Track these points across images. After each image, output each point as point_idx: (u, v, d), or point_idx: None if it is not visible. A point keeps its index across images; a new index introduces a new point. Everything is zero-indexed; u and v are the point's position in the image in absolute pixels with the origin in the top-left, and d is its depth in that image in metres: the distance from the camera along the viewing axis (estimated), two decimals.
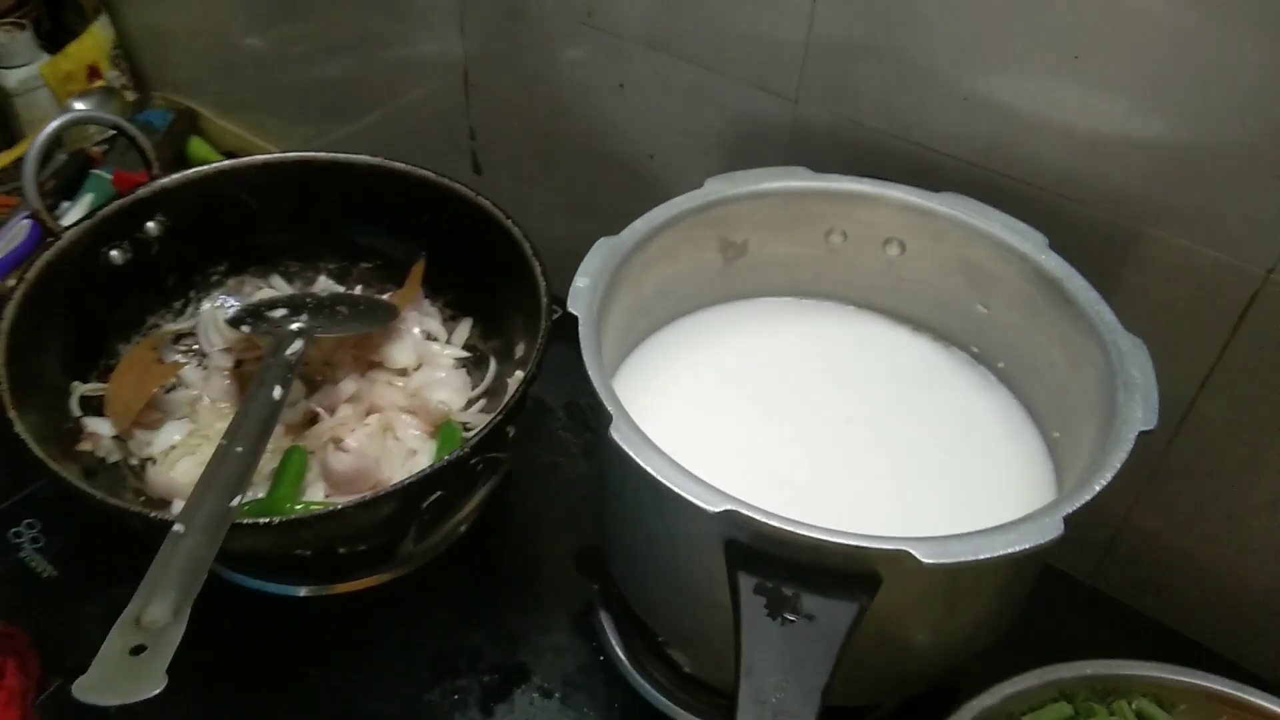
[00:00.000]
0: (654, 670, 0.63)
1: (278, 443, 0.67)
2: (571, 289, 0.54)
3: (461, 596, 0.67)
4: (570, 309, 0.53)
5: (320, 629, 0.66)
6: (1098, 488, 0.45)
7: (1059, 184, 0.60)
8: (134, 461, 0.66)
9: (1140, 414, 0.48)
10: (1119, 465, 0.46)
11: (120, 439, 0.66)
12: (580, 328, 0.52)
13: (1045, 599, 0.69)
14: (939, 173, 0.63)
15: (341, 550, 0.64)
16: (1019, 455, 0.58)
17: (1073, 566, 0.71)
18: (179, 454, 0.66)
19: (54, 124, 0.64)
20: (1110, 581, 0.71)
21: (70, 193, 0.98)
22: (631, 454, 0.46)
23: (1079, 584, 0.71)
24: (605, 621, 0.65)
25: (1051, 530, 0.43)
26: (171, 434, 0.67)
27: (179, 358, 0.72)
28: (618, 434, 0.47)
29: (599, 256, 0.57)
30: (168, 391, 0.70)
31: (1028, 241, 0.57)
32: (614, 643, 0.64)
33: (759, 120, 0.71)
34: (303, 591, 0.66)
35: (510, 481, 0.74)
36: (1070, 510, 0.44)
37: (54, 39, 1.13)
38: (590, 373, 0.50)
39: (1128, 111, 0.56)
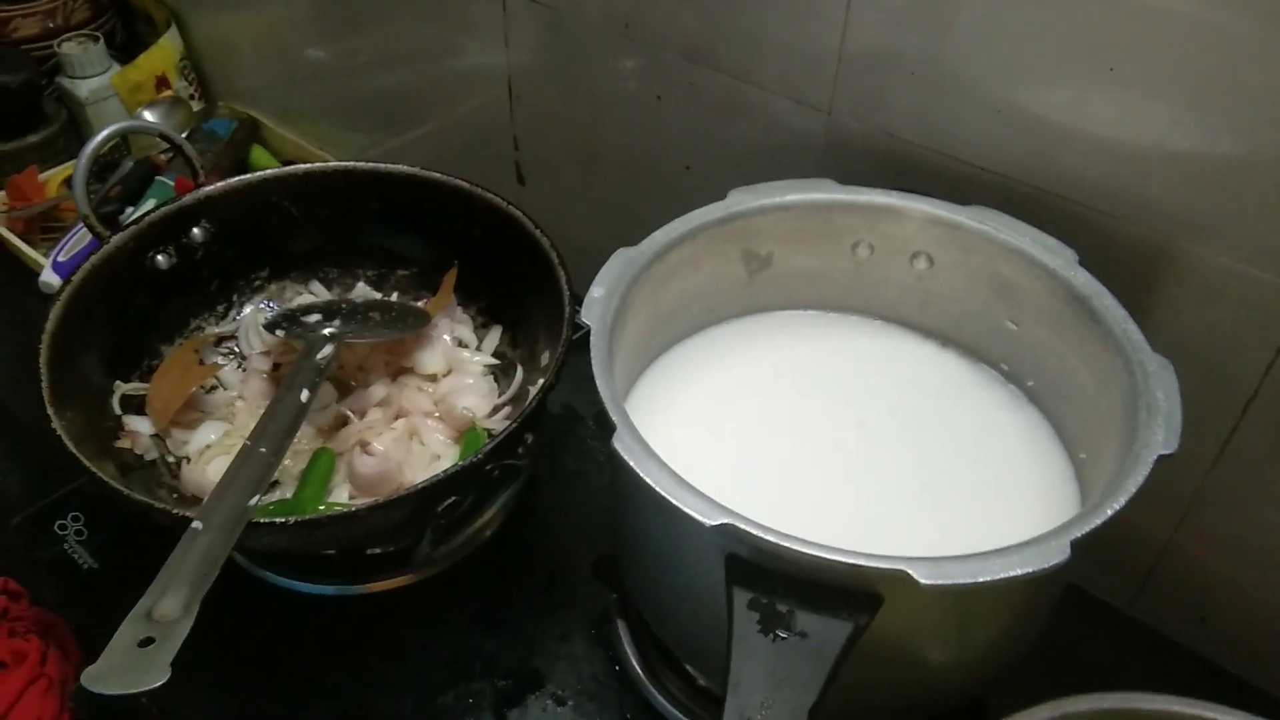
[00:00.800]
0: (669, 682, 0.62)
1: (310, 443, 0.68)
2: (586, 299, 0.55)
3: (483, 600, 0.68)
4: (583, 319, 0.54)
5: (345, 628, 0.67)
6: (1109, 512, 0.43)
7: (1094, 198, 0.58)
8: (171, 460, 0.68)
9: (1161, 437, 0.46)
10: (1134, 490, 0.44)
11: (159, 437, 0.68)
12: (592, 337, 0.53)
13: (1081, 626, 0.67)
14: (972, 185, 0.62)
15: (370, 551, 0.66)
16: (1045, 476, 0.57)
17: (1110, 594, 0.69)
18: (214, 453, 0.68)
19: (102, 134, 0.67)
20: (1150, 610, 0.68)
21: (135, 199, 1.01)
22: (633, 464, 0.46)
23: (1117, 612, 0.69)
24: (622, 631, 0.65)
25: (1057, 554, 0.42)
26: (208, 434, 0.69)
27: (219, 359, 0.74)
28: (620, 444, 0.47)
29: (616, 267, 0.57)
30: (207, 392, 0.72)
31: (1057, 257, 0.56)
32: (630, 653, 0.64)
33: (792, 131, 0.70)
34: (330, 590, 0.67)
35: (537, 487, 0.74)
36: (1078, 535, 0.42)
37: (127, 49, 1.18)
38: (598, 382, 0.50)
39: (1166, 123, 0.54)
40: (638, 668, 0.64)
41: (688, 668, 0.62)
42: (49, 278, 0.93)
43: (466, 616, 0.67)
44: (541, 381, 0.61)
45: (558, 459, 0.77)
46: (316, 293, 0.79)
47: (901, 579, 0.41)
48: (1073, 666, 0.65)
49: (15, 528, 0.72)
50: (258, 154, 1.15)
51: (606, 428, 0.48)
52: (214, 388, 0.73)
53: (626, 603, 0.66)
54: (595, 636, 0.66)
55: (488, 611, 0.67)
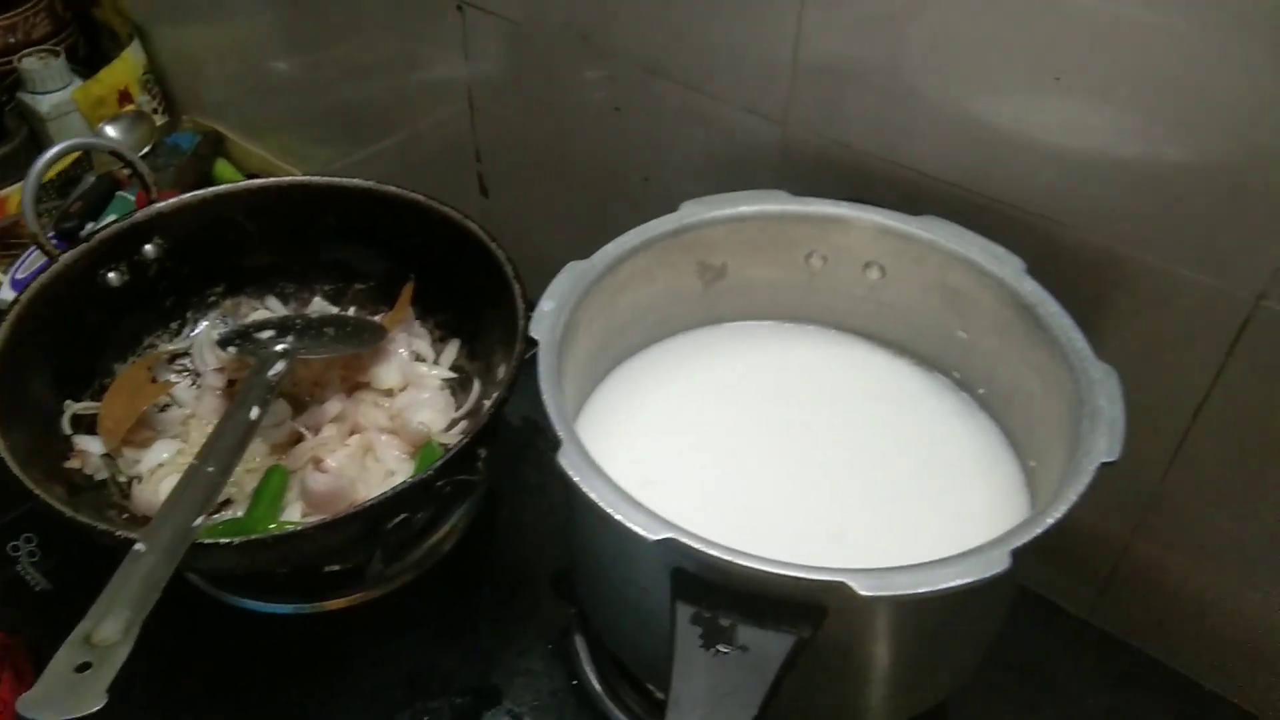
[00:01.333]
0: (626, 697, 0.62)
1: (263, 461, 0.68)
2: (535, 312, 0.55)
3: (441, 616, 0.67)
4: (532, 332, 0.53)
5: (301, 647, 0.66)
6: (1049, 521, 0.43)
7: (1042, 206, 0.58)
8: (122, 479, 0.68)
9: (1104, 444, 0.46)
10: (1075, 498, 0.44)
11: (110, 457, 0.68)
12: (540, 352, 0.52)
13: (1039, 634, 0.67)
14: (924, 195, 0.62)
15: (325, 569, 0.65)
16: (997, 484, 0.57)
17: (1069, 600, 0.69)
18: (166, 472, 0.67)
19: (50, 153, 0.66)
20: (1110, 616, 0.69)
21: (97, 214, 1.01)
22: (576, 479, 0.46)
23: (1075, 619, 0.69)
24: (580, 646, 0.65)
25: (998, 564, 0.42)
26: (160, 452, 0.68)
27: (172, 377, 0.74)
28: (565, 459, 0.47)
29: (566, 280, 0.57)
30: (160, 410, 0.71)
31: (1005, 266, 0.56)
32: (588, 668, 0.64)
33: (748, 143, 0.70)
34: (286, 609, 0.67)
35: (498, 501, 0.74)
36: (1019, 544, 0.42)
37: (90, 63, 1.17)
38: (544, 396, 0.50)
39: (1112, 131, 0.54)
40: (595, 683, 0.63)
41: (645, 682, 0.61)
42: (6, 294, 0.92)
43: (425, 632, 0.66)
44: (496, 395, 0.61)
45: (518, 471, 0.76)
46: (272, 308, 0.78)
47: (842, 590, 0.41)
48: (1034, 674, 0.65)
49: None
50: (222, 168, 1.14)
51: (551, 442, 0.48)
52: (167, 405, 0.72)
53: (584, 618, 0.66)
54: (554, 651, 0.65)
55: (446, 627, 0.67)
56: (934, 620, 0.48)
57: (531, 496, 0.75)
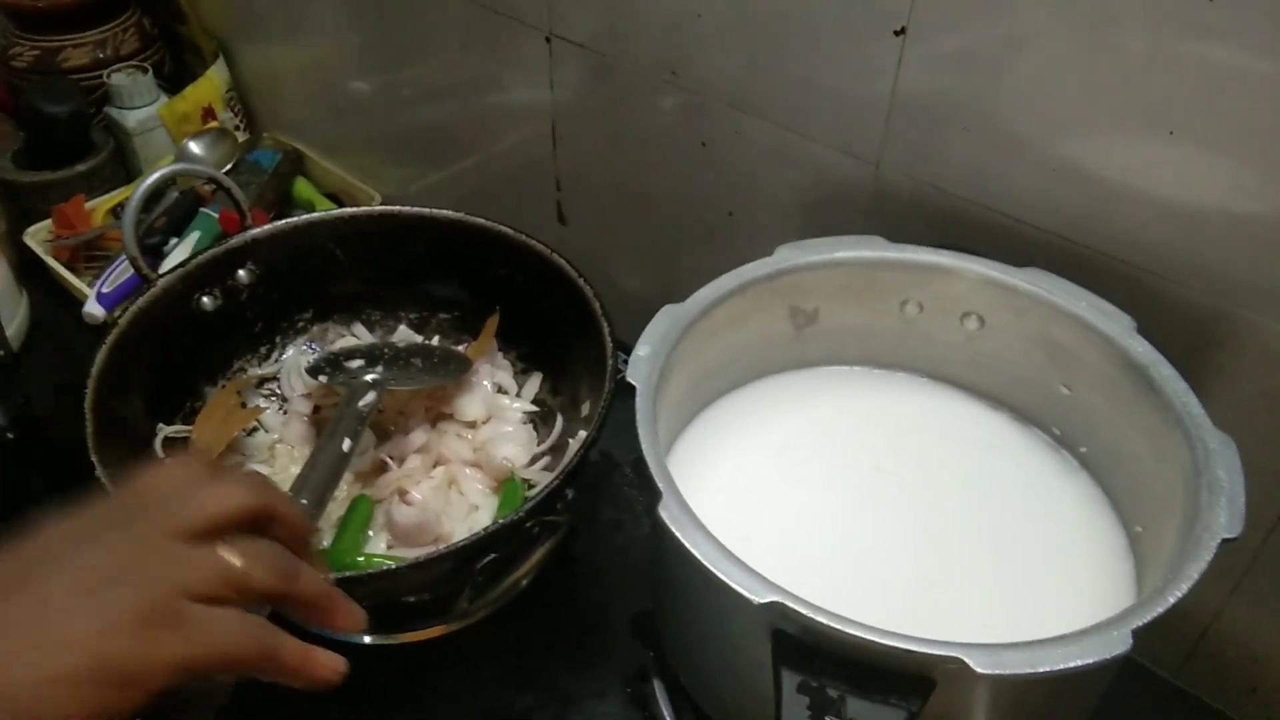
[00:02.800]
0: None
1: (348, 489, 0.68)
2: (632, 357, 0.54)
3: (518, 652, 0.67)
4: (629, 379, 0.53)
5: (379, 678, 0.66)
6: (1171, 599, 0.42)
7: (1151, 261, 0.57)
8: None
9: (1224, 519, 0.45)
10: (1196, 576, 0.43)
11: None
12: (638, 399, 0.52)
13: (1124, 694, 0.65)
14: (1023, 244, 0.61)
15: (406, 600, 0.65)
16: (1098, 548, 0.55)
17: (1156, 661, 0.67)
18: None
19: (153, 178, 0.67)
20: (1198, 679, 0.67)
21: (179, 229, 1.02)
22: (679, 535, 0.45)
23: (1162, 680, 0.67)
24: (659, 691, 0.64)
25: (1118, 645, 0.41)
26: None
27: (260, 402, 0.74)
28: (666, 513, 0.46)
29: (662, 324, 0.56)
30: (248, 435, 0.72)
31: (1114, 324, 0.55)
32: (666, 714, 0.63)
33: (839, 183, 0.69)
34: (366, 640, 0.67)
35: (574, 536, 0.74)
36: (1140, 624, 0.41)
37: (174, 80, 1.20)
38: (644, 446, 0.49)
39: (1229, 187, 0.53)
40: None
41: None
42: (93, 308, 0.94)
43: (501, 669, 0.66)
44: (583, 434, 0.61)
45: (594, 507, 0.76)
46: (359, 335, 0.79)
47: (957, 666, 0.40)
48: None
49: None
50: (301, 186, 1.15)
51: (652, 494, 0.48)
52: (254, 430, 0.73)
53: (663, 662, 0.65)
54: (630, 696, 0.65)
55: (522, 665, 0.67)
56: (1041, 696, 0.47)
57: (608, 532, 0.75)
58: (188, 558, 0.37)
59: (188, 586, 0.37)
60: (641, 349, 0.55)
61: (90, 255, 1.04)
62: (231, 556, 0.38)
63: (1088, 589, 0.53)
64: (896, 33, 0.60)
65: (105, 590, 0.35)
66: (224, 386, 0.74)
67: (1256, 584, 0.62)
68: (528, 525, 0.56)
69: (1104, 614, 0.43)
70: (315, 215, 0.75)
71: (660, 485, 0.48)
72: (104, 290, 0.95)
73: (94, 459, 0.57)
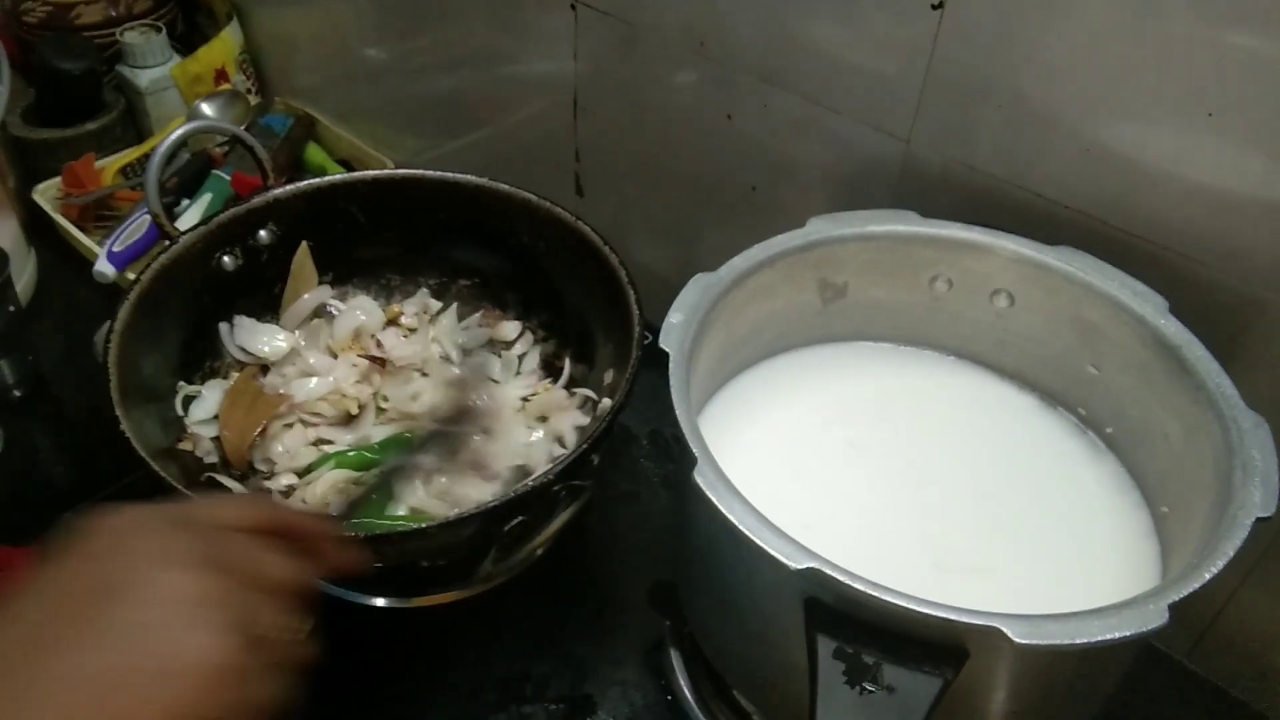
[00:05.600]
0: (721, 715, 0.61)
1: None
2: (665, 324, 0.54)
3: (534, 621, 0.67)
4: (662, 345, 0.53)
5: (395, 642, 0.67)
6: (1208, 575, 0.42)
7: (1183, 244, 0.57)
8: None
9: (1258, 499, 0.45)
10: (1232, 553, 0.43)
11: (218, 439, 0.68)
12: (671, 365, 0.52)
13: (1137, 676, 0.66)
14: (1054, 223, 0.61)
15: (424, 564, 0.65)
16: (1123, 528, 0.55)
17: (1168, 643, 0.68)
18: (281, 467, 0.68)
19: (178, 132, 0.67)
20: (1208, 663, 0.67)
21: (190, 191, 1.01)
22: (715, 500, 0.45)
23: (1174, 662, 0.67)
24: (675, 660, 0.64)
25: (1155, 618, 0.41)
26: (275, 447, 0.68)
27: (279, 387, 0.73)
28: (701, 478, 0.46)
29: (694, 292, 0.56)
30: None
31: (1147, 304, 0.55)
32: (683, 683, 0.63)
33: (868, 159, 0.69)
34: (380, 602, 0.67)
35: (589, 507, 0.73)
36: (1177, 598, 0.41)
37: (186, 41, 1.18)
38: (678, 412, 0.49)
39: (1263, 173, 0.53)
40: (690, 698, 0.63)
41: (742, 702, 0.61)
42: (103, 267, 0.93)
43: (518, 636, 0.66)
44: (609, 402, 0.61)
45: (609, 478, 0.76)
46: (376, 300, 0.78)
47: (995, 636, 0.40)
48: (1127, 717, 0.64)
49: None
50: (313, 152, 1.14)
51: (687, 460, 0.48)
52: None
53: (682, 631, 0.65)
54: (647, 663, 0.65)
55: (540, 632, 0.67)
56: (1067, 672, 0.47)
57: (623, 504, 0.75)
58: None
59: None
60: (674, 316, 0.54)
61: (100, 214, 1.03)
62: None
63: (1112, 568, 0.53)
64: (934, 6, 0.60)
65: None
66: (238, 375, 0.73)
67: (1270, 569, 0.62)
68: (555, 489, 0.56)
69: (1128, 594, 0.43)
70: (338, 177, 0.74)
71: (695, 451, 0.48)
72: (115, 249, 0.94)
73: (118, 413, 0.57)
